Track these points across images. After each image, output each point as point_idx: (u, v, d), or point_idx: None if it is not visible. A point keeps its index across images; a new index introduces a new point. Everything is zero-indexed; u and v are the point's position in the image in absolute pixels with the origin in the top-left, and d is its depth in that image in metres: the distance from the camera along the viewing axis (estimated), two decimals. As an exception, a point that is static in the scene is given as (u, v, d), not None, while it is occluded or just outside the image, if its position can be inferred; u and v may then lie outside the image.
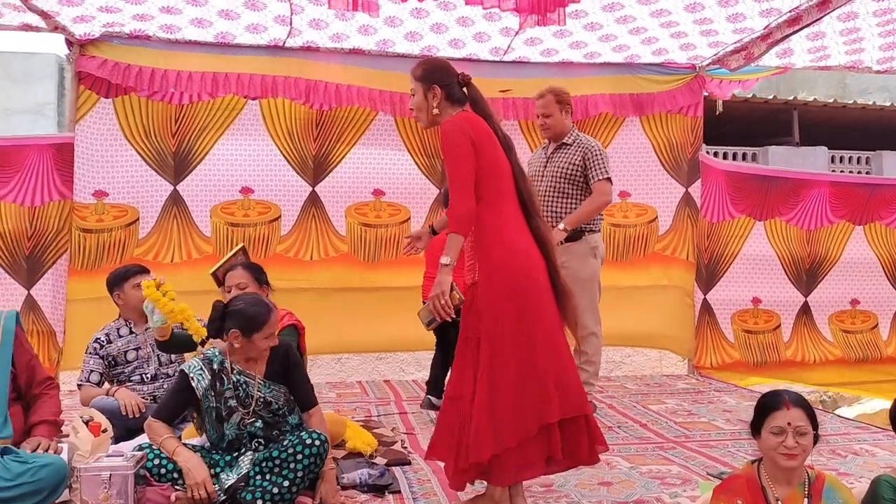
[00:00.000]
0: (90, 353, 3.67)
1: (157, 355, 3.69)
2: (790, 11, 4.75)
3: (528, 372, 2.61)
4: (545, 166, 4.22)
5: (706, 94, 6.00)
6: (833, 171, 10.47)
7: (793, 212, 6.08)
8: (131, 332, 3.71)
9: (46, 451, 2.72)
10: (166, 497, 2.59)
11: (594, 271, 4.22)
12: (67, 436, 2.91)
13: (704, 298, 5.97)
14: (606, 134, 5.84)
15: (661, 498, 2.91)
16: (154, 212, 5.29)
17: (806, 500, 2.16)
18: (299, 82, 5.32)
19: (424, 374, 4.98)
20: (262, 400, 2.79)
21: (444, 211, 4.07)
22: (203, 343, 3.22)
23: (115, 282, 3.75)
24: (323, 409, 3.24)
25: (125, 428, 3.31)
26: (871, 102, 10.79)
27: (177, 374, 2.87)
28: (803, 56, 5.57)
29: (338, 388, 5.46)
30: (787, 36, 5.02)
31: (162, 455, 2.68)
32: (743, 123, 10.63)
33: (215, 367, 2.79)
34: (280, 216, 5.50)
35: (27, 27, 4.83)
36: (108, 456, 2.62)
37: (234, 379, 2.78)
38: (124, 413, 3.38)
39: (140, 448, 2.75)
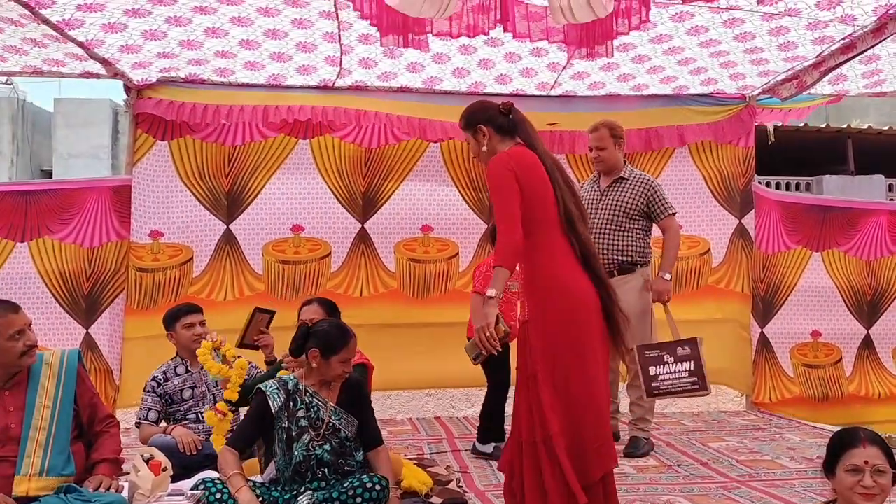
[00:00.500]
0: (148, 392, 3.73)
1: (213, 394, 3.72)
2: (844, 39, 4.66)
3: (587, 412, 2.59)
4: (600, 199, 4.24)
5: (757, 123, 5.92)
6: (891, 199, 10.20)
7: (850, 242, 5.92)
8: (187, 371, 3.76)
9: (108, 489, 2.74)
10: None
11: (648, 304, 4.24)
12: (128, 474, 2.92)
13: (762, 332, 5.82)
14: (656, 166, 5.79)
15: (729, 540, 2.80)
16: (208, 251, 5.39)
17: (886, 543, 2.06)
18: (349, 121, 5.40)
19: (474, 411, 4.92)
20: (331, 425, 2.84)
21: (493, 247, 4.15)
22: (238, 404, 3.41)
23: (169, 322, 3.84)
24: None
25: (182, 466, 3.32)
26: (927, 129, 10.54)
27: (254, 396, 2.95)
28: (857, 82, 5.46)
29: (388, 426, 5.42)
30: (841, 63, 4.93)
31: (224, 490, 2.70)
32: (796, 153, 10.45)
33: (290, 387, 2.88)
34: (330, 253, 5.55)
35: (88, 74, 5.01)
36: (168, 495, 2.64)
37: (307, 400, 2.86)
38: (182, 451, 3.41)
39: (201, 483, 2.75)
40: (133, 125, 5.27)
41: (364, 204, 5.61)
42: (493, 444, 4.19)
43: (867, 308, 5.96)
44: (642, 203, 4.21)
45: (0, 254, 4.99)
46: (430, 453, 4.34)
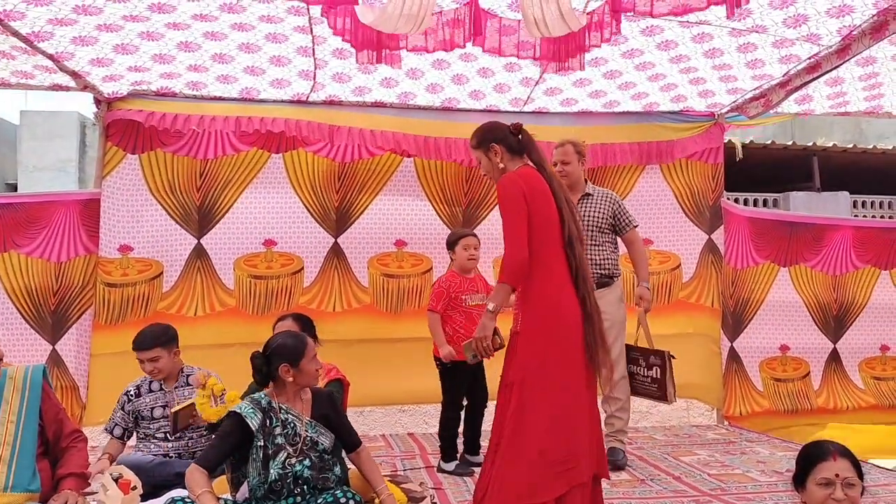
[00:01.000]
0: (119, 405, 3.68)
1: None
2: (809, 58, 4.77)
3: (559, 425, 2.68)
4: None
5: (726, 140, 6.01)
6: (856, 215, 10.40)
7: (817, 257, 6.03)
8: (161, 389, 3.70)
9: None
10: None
11: (625, 315, 4.40)
12: (95, 493, 2.87)
13: (731, 346, 5.88)
14: (627, 182, 5.85)
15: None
16: (178, 265, 5.32)
17: (857, 555, 2.08)
18: (322, 135, 5.38)
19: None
20: (309, 438, 2.84)
21: (452, 254, 4.37)
22: (212, 427, 3.42)
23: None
24: (348, 464, 3.22)
25: (152, 485, 3.26)
26: (890, 147, 10.76)
27: (226, 419, 2.93)
28: (822, 102, 5.58)
29: (361, 442, 5.38)
30: (807, 83, 5.04)
31: (194, 509, 2.65)
32: (763, 170, 10.61)
33: (263, 405, 2.85)
34: (303, 268, 5.51)
35: (57, 87, 4.95)
36: (137, 514, 2.59)
37: (283, 417, 2.84)
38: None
39: (171, 501, 2.71)
40: (103, 138, 5.21)
41: (337, 218, 5.58)
42: (455, 462, 4.23)
43: (833, 322, 6.06)
44: (609, 217, 4.35)
45: (-35, 268, 4.88)
46: (404, 469, 4.31)
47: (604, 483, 3.87)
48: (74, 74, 4.74)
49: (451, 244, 4.40)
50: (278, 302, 5.41)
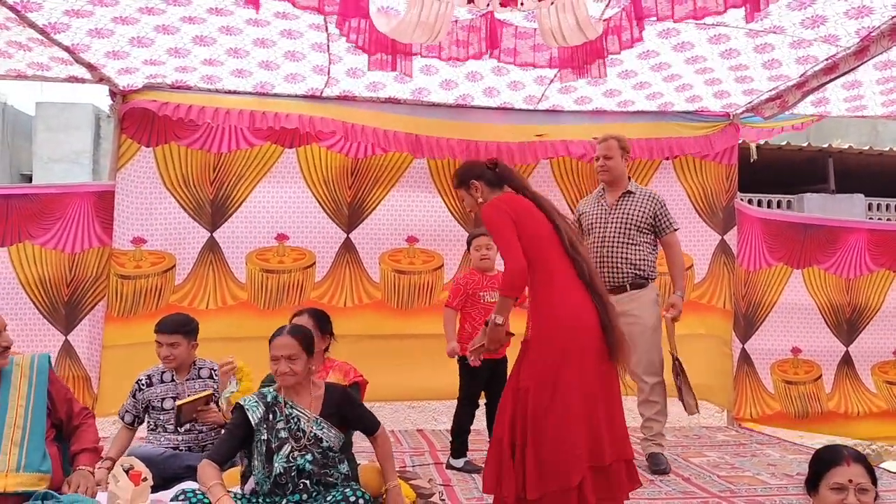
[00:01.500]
0: (130, 394, 3.72)
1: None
2: (827, 59, 4.72)
3: (567, 423, 2.78)
4: (609, 214, 4.31)
5: (740, 141, 5.97)
6: (870, 218, 10.33)
7: (831, 260, 5.98)
8: (172, 380, 3.71)
9: (86, 492, 2.81)
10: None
11: (659, 318, 4.34)
12: (107, 480, 2.91)
13: (743, 348, 5.85)
14: (639, 181, 5.80)
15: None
16: (191, 258, 5.34)
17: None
18: (336, 131, 5.38)
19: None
20: (313, 435, 2.84)
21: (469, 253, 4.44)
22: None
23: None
24: (357, 458, 3.24)
25: (162, 476, 3.28)
26: (906, 149, 10.70)
27: (234, 412, 2.94)
28: (839, 105, 5.53)
29: (370, 437, 5.38)
30: (823, 84, 4.99)
31: (205, 500, 2.67)
32: (778, 171, 10.58)
33: (269, 400, 2.87)
34: (314, 263, 5.52)
35: (73, 79, 4.96)
36: (147, 505, 2.60)
37: (287, 412, 2.85)
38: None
39: (181, 493, 2.72)
40: (118, 130, 5.23)
41: (350, 214, 5.59)
42: (465, 459, 4.22)
43: (846, 326, 6.02)
44: (650, 217, 4.28)
45: (-21, 258, 4.92)
46: (413, 466, 4.32)
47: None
48: (90, 66, 4.76)
49: (468, 244, 4.42)
50: (290, 296, 5.43)
